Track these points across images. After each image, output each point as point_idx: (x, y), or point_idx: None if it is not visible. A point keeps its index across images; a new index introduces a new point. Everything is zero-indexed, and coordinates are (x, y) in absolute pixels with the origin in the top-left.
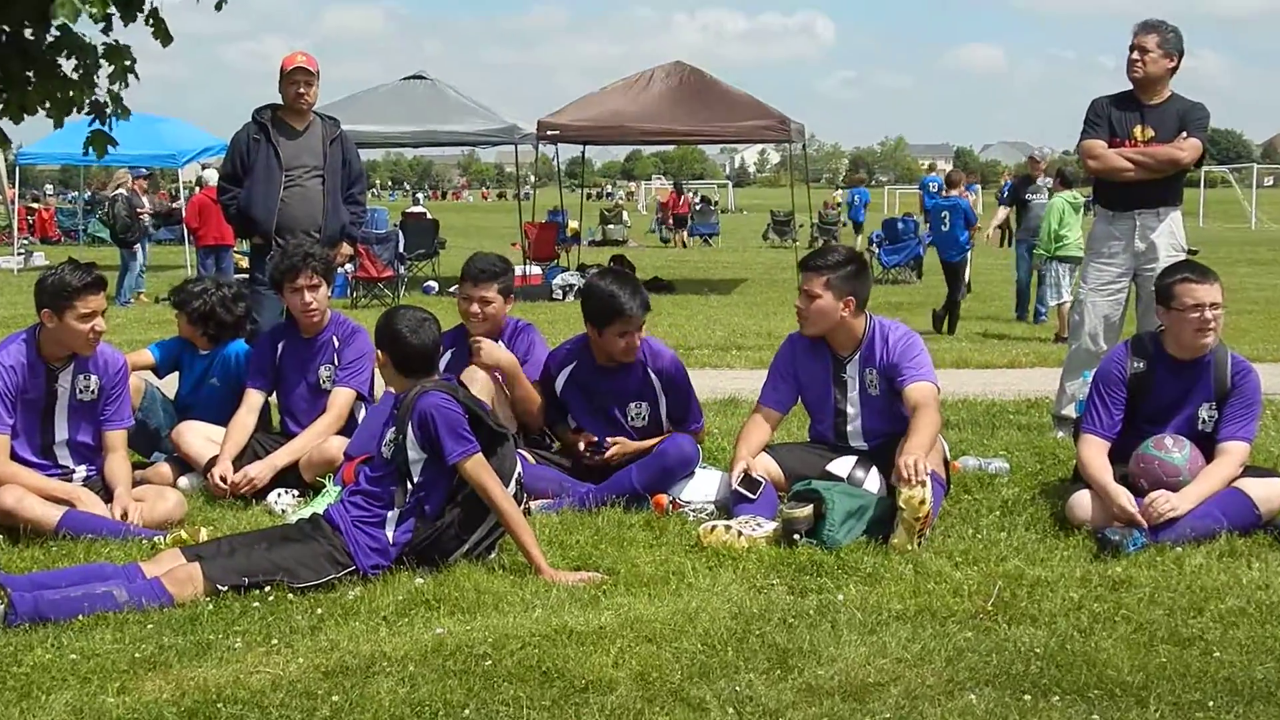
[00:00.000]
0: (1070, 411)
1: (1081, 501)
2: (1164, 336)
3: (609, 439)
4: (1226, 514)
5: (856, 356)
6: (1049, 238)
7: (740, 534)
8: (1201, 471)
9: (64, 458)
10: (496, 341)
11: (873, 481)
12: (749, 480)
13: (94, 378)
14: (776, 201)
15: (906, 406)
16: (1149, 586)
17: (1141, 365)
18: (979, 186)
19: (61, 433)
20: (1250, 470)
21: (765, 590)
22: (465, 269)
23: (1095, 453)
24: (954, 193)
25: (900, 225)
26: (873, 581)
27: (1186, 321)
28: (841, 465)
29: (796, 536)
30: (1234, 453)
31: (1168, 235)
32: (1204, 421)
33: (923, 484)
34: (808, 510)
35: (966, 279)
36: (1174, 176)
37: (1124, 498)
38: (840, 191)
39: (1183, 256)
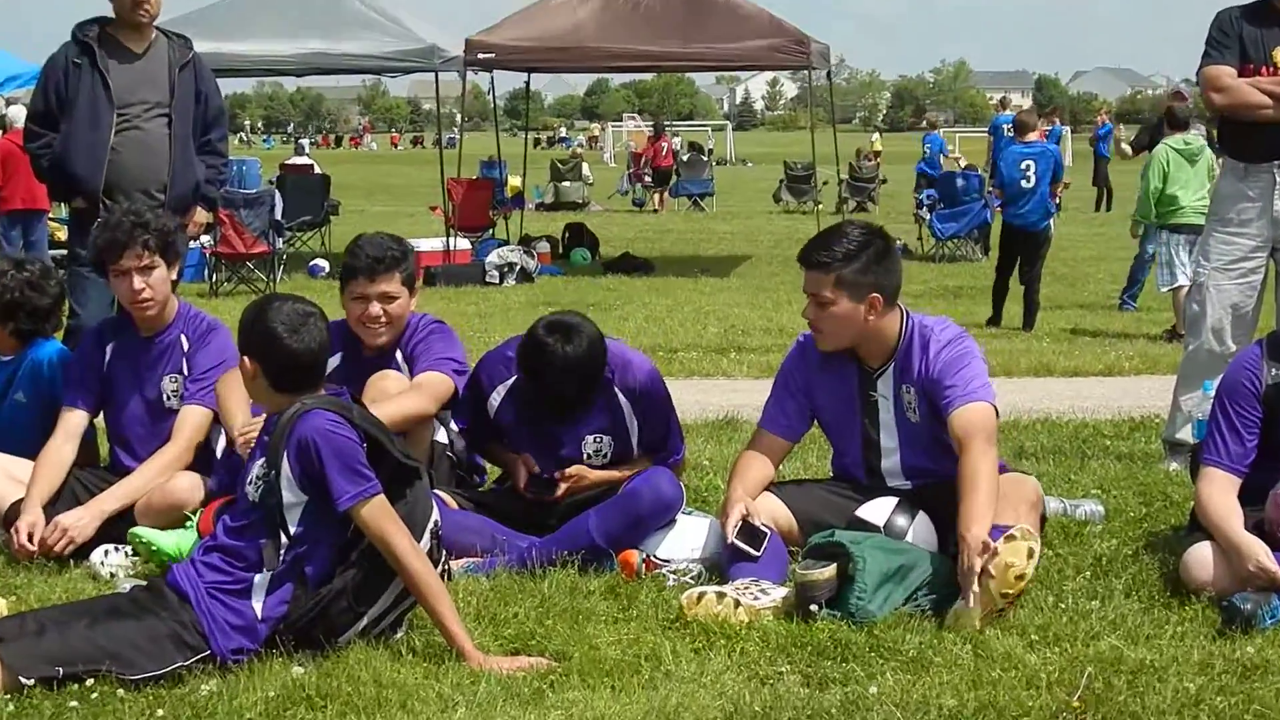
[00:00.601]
0: (1187, 435)
1: (1201, 558)
2: None
3: (561, 473)
4: None
5: (890, 368)
6: (1150, 199)
7: (738, 604)
8: None
9: None
10: (391, 353)
11: (919, 531)
12: (749, 531)
13: None
14: (793, 149)
15: (952, 439)
16: None
17: None
18: (1067, 129)
19: None
20: None
21: (771, 681)
22: (349, 262)
23: (1220, 492)
24: (1033, 137)
25: (961, 181)
26: (918, 668)
27: None
28: (876, 510)
29: (815, 607)
30: None
31: None
32: None
33: (1027, 538)
34: (829, 571)
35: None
36: None
37: (1260, 552)
38: (876, 137)
39: None
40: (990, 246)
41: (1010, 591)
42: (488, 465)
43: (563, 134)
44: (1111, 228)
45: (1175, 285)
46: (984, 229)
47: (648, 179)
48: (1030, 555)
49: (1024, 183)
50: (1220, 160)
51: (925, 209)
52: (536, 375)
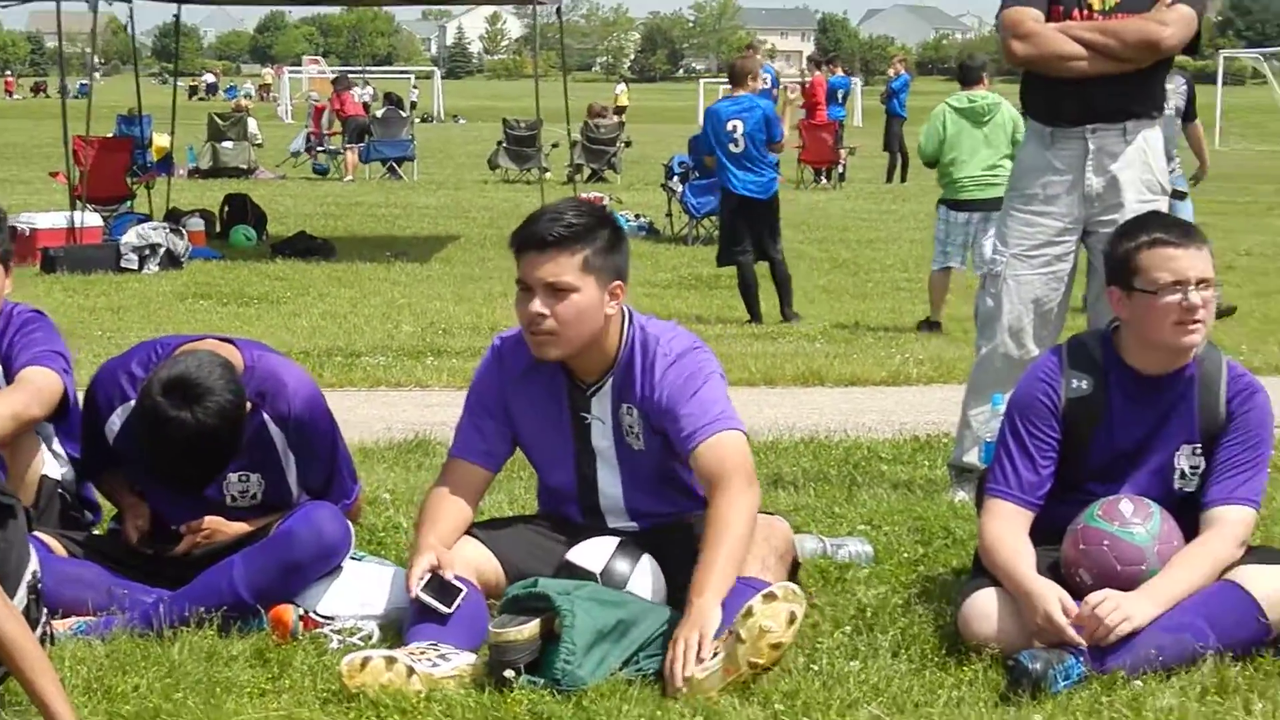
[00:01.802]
0: (976, 459)
1: (983, 608)
2: (1121, 337)
3: (190, 525)
4: (1214, 623)
5: (608, 384)
6: (933, 162)
7: (411, 671)
8: (1177, 556)
9: None
10: None
11: (644, 579)
12: (439, 585)
13: None
14: (516, 104)
15: (699, 479)
16: None
17: (1085, 385)
18: (857, 81)
19: None
20: (1256, 553)
21: None
22: None
23: (1007, 528)
24: (744, 91)
25: None
26: None
27: (1157, 311)
28: (591, 553)
29: (511, 673)
30: (1229, 525)
31: (1139, 167)
32: (1184, 475)
33: (790, 599)
34: (530, 629)
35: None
36: (1152, 70)
37: (1050, 600)
38: (621, 89)
39: (1162, 202)
40: None
41: (761, 661)
42: (104, 500)
43: (211, 79)
44: (906, 204)
45: (944, 266)
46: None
47: (339, 139)
48: (792, 621)
49: (732, 146)
50: (1025, 123)
51: (676, 179)
52: (150, 448)
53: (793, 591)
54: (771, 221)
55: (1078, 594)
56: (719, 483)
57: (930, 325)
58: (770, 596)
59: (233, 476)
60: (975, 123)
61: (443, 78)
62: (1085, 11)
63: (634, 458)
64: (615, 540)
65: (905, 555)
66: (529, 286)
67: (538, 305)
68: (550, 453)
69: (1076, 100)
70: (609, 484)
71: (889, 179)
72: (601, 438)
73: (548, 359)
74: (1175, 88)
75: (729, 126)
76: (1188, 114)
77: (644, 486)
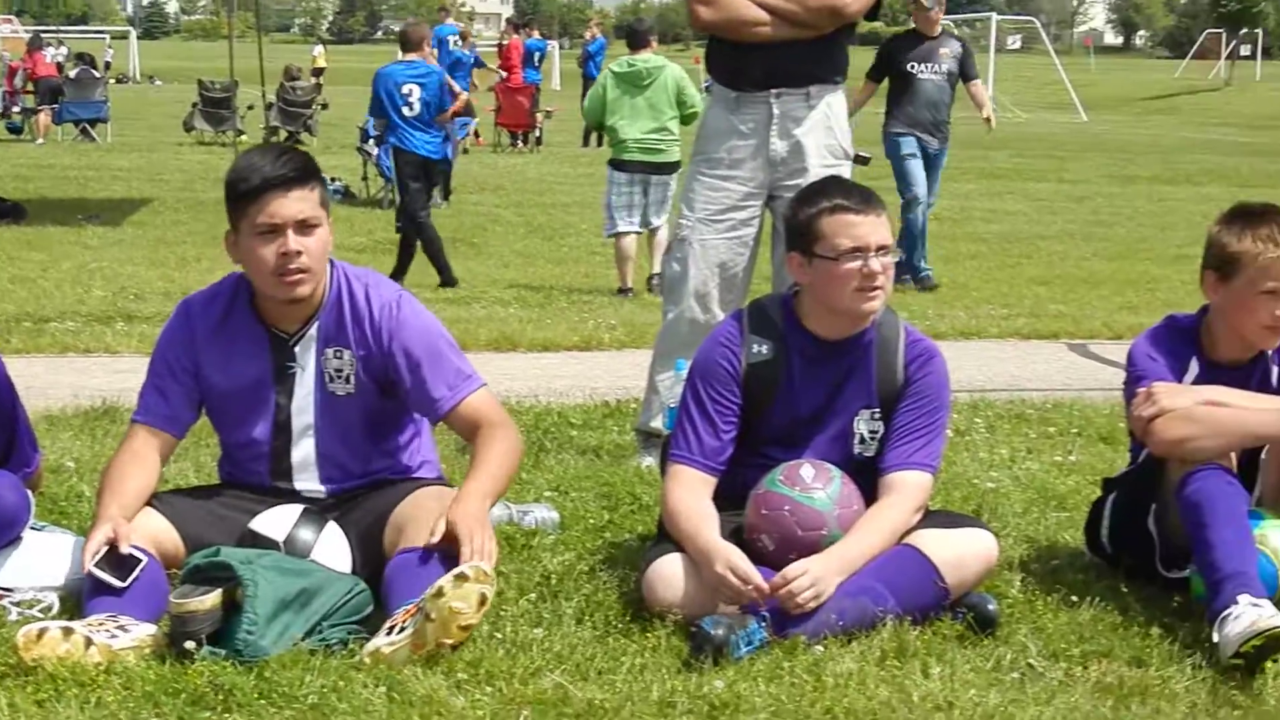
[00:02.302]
0: (662, 424)
1: (667, 574)
2: (801, 302)
3: None
4: (893, 588)
5: (313, 329)
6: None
7: (89, 642)
8: (859, 520)
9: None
10: None
11: (329, 547)
12: (115, 558)
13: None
14: (213, 65)
15: (466, 435)
16: (767, 711)
17: (765, 350)
18: (554, 44)
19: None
20: (934, 517)
21: None
22: None
23: (690, 494)
24: (417, 56)
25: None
26: (318, 716)
27: (838, 277)
28: (274, 521)
29: (192, 644)
30: (908, 489)
31: (823, 132)
32: (863, 440)
33: (481, 580)
34: (211, 599)
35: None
36: (834, 35)
37: (733, 565)
38: (319, 51)
39: (845, 167)
40: (452, 189)
41: (450, 641)
42: None
43: None
44: (603, 168)
45: (615, 232)
46: (445, 167)
47: (33, 98)
48: (483, 603)
49: (406, 110)
50: (708, 88)
51: (371, 142)
52: None
53: (484, 573)
54: (436, 183)
55: (760, 559)
56: (482, 426)
57: (623, 293)
58: (462, 578)
59: None
60: (636, 86)
61: (139, 38)
62: None
63: (336, 406)
64: (299, 509)
65: (591, 521)
66: (275, 227)
67: (293, 242)
68: (246, 410)
69: (761, 65)
70: (304, 439)
71: (585, 143)
72: (303, 388)
73: (299, 298)
74: (950, 51)
75: (405, 90)
76: (967, 75)
77: (342, 440)
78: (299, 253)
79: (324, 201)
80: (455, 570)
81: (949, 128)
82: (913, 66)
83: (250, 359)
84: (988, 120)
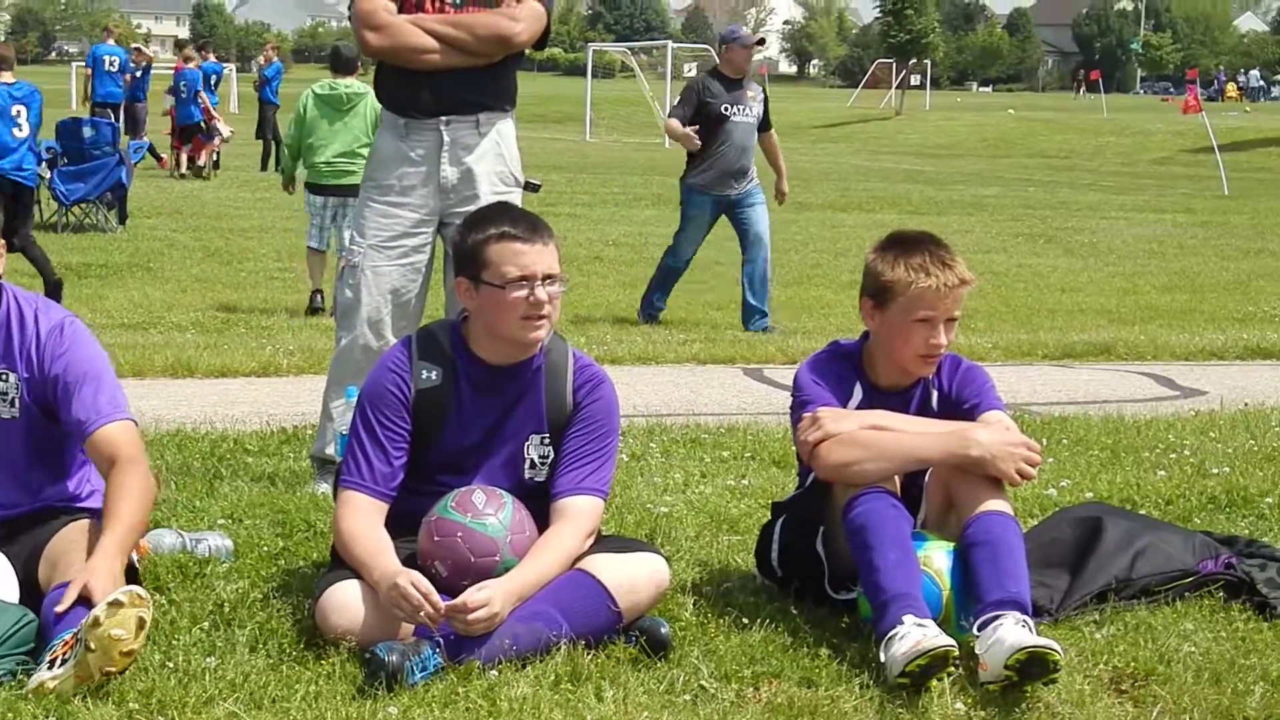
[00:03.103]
0: (334, 451)
1: (341, 600)
2: (469, 328)
3: None
4: (566, 612)
5: None
6: (289, 150)
7: None
8: (533, 547)
9: None
10: None
11: None
12: None
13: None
14: None
15: (99, 461)
16: None
17: (435, 375)
18: (231, 68)
19: None
20: (606, 541)
21: None
22: None
23: (362, 519)
24: (9, 77)
25: (89, 130)
26: None
27: (504, 305)
28: None
29: None
30: (579, 515)
31: (493, 159)
32: (534, 465)
33: (136, 604)
34: None
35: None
36: (503, 64)
37: (414, 579)
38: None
39: (515, 193)
40: (128, 213)
41: (114, 669)
42: None
43: None
44: (280, 192)
45: (309, 245)
46: (120, 191)
47: None
48: (141, 626)
49: (16, 131)
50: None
51: (45, 164)
52: None
53: (138, 596)
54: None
55: (435, 585)
56: (117, 463)
57: (312, 299)
58: (116, 604)
59: None
60: (336, 109)
61: None
62: (438, 5)
63: (4, 432)
64: None
65: (266, 549)
66: None
67: None
68: None
69: (430, 92)
70: None
71: (264, 167)
72: None
73: None
74: (755, 95)
75: (14, 111)
76: (764, 124)
77: (7, 465)
78: None
79: None
80: (109, 597)
81: (754, 172)
82: (726, 109)
83: None
84: (781, 194)
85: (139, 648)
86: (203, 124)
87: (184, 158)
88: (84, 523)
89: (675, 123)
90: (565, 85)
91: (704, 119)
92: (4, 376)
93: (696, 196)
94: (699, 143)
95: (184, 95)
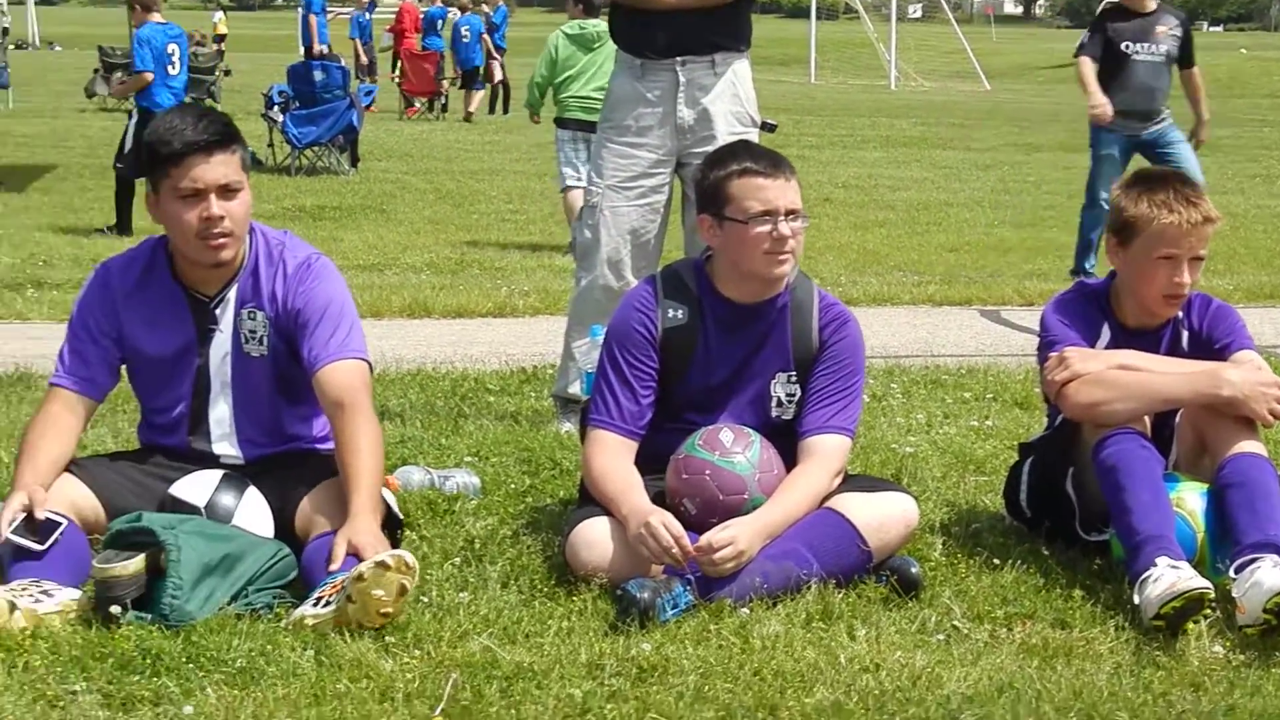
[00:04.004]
0: (579, 390)
1: (592, 537)
2: (714, 266)
3: None
4: (817, 551)
5: (232, 293)
6: (534, 88)
7: (13, 607)
8: (781, 485)
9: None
10: None
11: (250, 512)
12: (33, 524)
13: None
14: (111, 31)
15: (324, 400)
16: (696, 673)
17: (681, 315)
18: (454, 11)
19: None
20: (854, 481)
21: (63, 702)
22: None
23: (612, 458)
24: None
25: (320, 74)
26: (246, 681)
27: (747, 240)
28: (195, 486)
29: (117, 608)
30: (827, 453)
31: (729, 99)
32: (780, 403)
33: (403, 571)
34: (135, 564)
35: None
36: (737, 4)
37: (664, 520)
38: (219, 17)
39: (752, 133)
40: (359, 156)
41: (369, 624)
42: None
43: None
44: (509, 135)
45: (564, 186)
46: (352, 134)
47: None
48: (402, 593)
49: (171, 69)
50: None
51: (276, 109)
52: None
53: (405, 564)
54: None
55: (683, 523)
56: (343, 408)
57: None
58: (383, 566)
59: None
60: (586, 48)
61: (36, 3)
62: None
63: (250, 368)
64: (219, 474)
65: (513, 486)
66: (198, 191)
67: (215, 207)
68: (170, 373)
69: (665, 32)
70: (221, 401)
71: (491, 110)
72: (220, 349)
73: (222, 262)
74: (1169, 29)
75: (169, 49)
76: (1184, 59)
77: (256, 403)
78: (222, 217)
79: (245, 165)
80: (379, 557)
81: (1168, 113)
82: (1127, 46)
83: (173, 322)
84: (1198, 140)
85: (396, 612)
86: (480, 69)
87: (469, 99)
88: (335, 482)
89: (1088, 67)
90: (789, 27)
91: (1106, 56)
92: (253, 315)
93: (1104, 135)
94: (1108, 115)
95: (466, 39)
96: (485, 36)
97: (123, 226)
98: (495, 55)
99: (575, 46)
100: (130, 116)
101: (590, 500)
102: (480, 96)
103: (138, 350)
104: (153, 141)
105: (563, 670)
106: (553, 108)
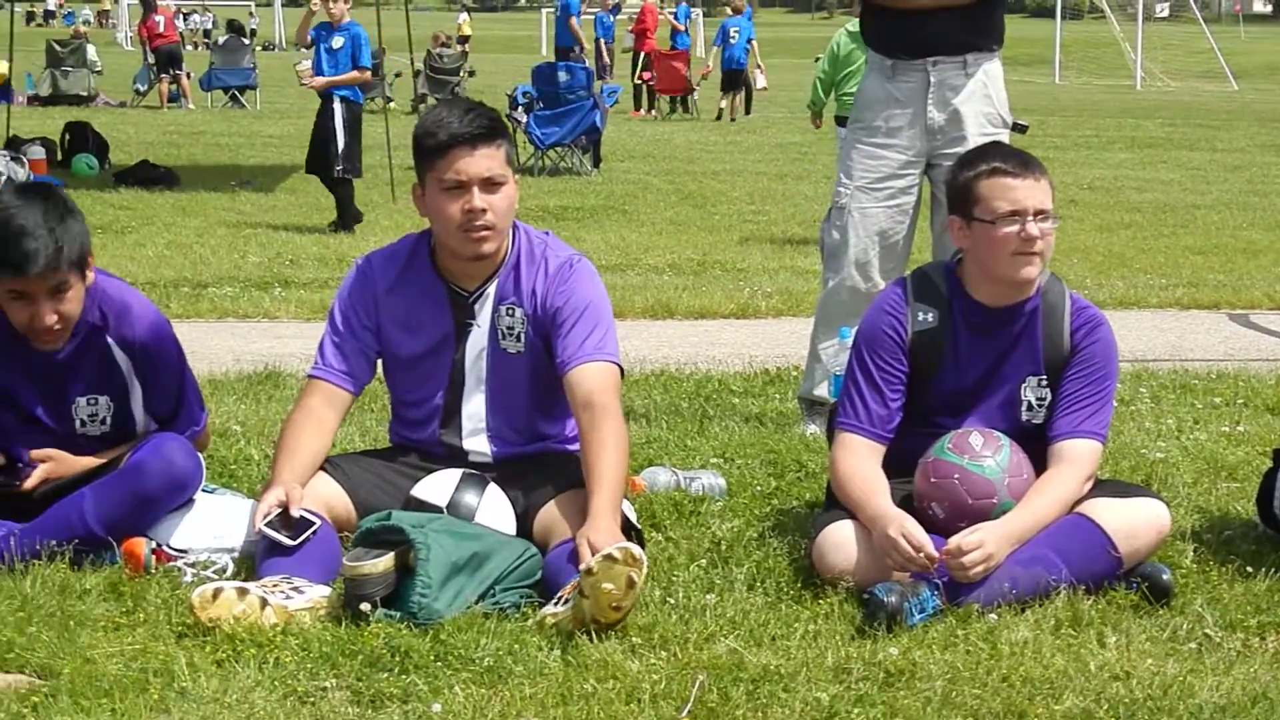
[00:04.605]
0: (825, 392)
1: (839, 540)
2: (964, 269)
3: (36, 453)
4: (1066, 557)
5: (491, 288)
6: (818, 87)
7: (264, 603)
8: (1030, 490)
9: None
10: None
11: (491, 510)
12: (286, 521)
13: None
14: None
15: (573, 401)
16: (943, 679)
17: (931, 318)
18: (697, 11)
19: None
20: (1104, 486)
21: (313, 699)
22: None
23: (859, 461)
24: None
25: (564, 75)
26: (494, 679)
27: (995, 241)
28: (436, 486)
29: (366, 606)
30: (1078, 458)
31: (980, 100)
32: (1031, 407)
33: (630, 563)
34: (385, 562)
35: None
36: (991, 3)
37: (906, 532)
38: (464, 19)
39: (1003, 135)
40: (602, 157)
41: (604, 620)
42: None
43: (51, 6)
44: (750, 135)
45: None
46: (594, 135)
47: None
48: (631, 585)
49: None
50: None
51: (520, 109)
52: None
53: (632, 556)
54: None
55: (931, 527)
56: (591, 410)
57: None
58: (610, 559)
59: (81, 400)
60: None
61: (283, 5)
62: None
63: (507, 364)
64: (459, 473)
65: (758, 488)
66: (461, 183)
67: (478, 199)
68: (427, 367)
69: (917, 33)
70: (475, 396)
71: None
72: (477, 344)
73: (484, 255)
74: None
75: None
76: None
77: (510, 400)
78: (484, 210)
79: (510, 159)
80: (606, 550)
81: None
82: None
83: (432, 316)
84: None
85: (628, 606)
86: (743, 71)
87: (734, 103)
88: (580, 491)
89: None
90: (1033, 27)
91: None
92: (511, 311)
93: None
94: None
95: (734, 41)
96: (753, 42)
97: (347, 221)
98: (760, 62)
99: (855, 44)
100: (333, 117)
101: (837, 503)
102: (738, 99)
103: (395, 343)
104: (419, 134)
105: (809, 674)
106: (833, 105)
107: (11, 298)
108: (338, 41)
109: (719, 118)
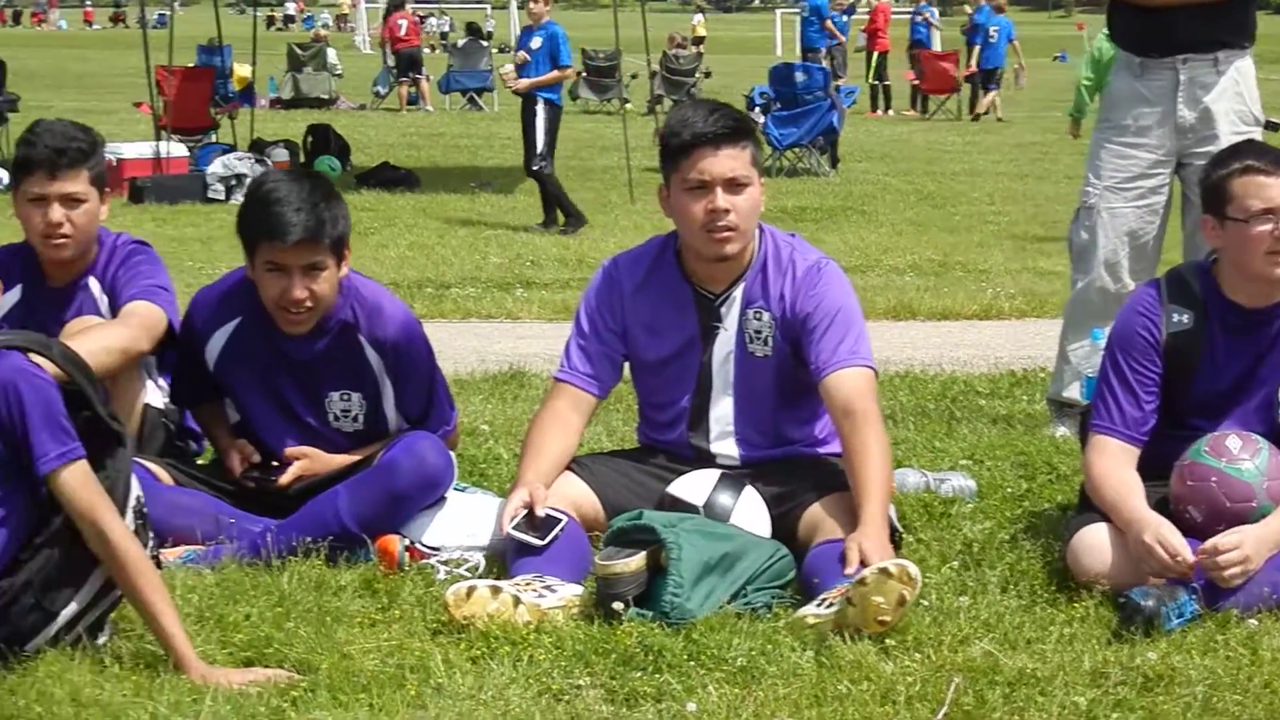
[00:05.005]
0: (1076, 394)
1: (1094, 543)
2: (1219, 270)
3: (291, 450)
4: None
5: (738, 290)
6: (1082, 92)
7: (519, 602)
8: None
9: None
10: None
11: (747, 511)
12: (534, 519)
13: None
14: (593, 34)
15: (832, 407)
16: (1203, 684)
17: (1186, 319)
18: (934, 10)
19: None
20: None
21: (568, 696)
22: (24, 152)
23: (1115, 464)
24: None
25: (801, 76)
26: (747, 680)
27: (1249, 240)
28: (693, 486)
29: (619, 605)
30: None
31: (1232, 98)
32: None
33: (905, 581)
34: (637, 561)
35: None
36: (1242, 0)
37: (1161, 537)
38: (699, 19)
39: (1256, 133)
40: (839, 158)
41: (866, 631)
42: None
43: (300, 9)
44: (990, 135)
45: None
46: (832, 136)
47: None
48: (901, 603)
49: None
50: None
51: (758, 110)
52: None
53: (908, 574)
54: None
55: (1188, 530)
56: (853, 416)
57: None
58: (885, 574)
59: (334, 395)
60: None
61: (518, 7)
62: None
63: (754, 368)
64: (717, 473)
65: (1009, 490)
66: (704, 183)
67: (721, 200)
68: (674, 370)
69: (1167, 30)
70: (723, 399)
71: (972, 111)
72: (724, 347)
73: (726, 256)
74: None
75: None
76: None
77: (757, 403)
78: (727, 210)
79: (755, 161)
80: (883, 564)
81: None
82: None
83: (679, 319)
84: None
85: (894, 621)
86: (1001, 72)
87: (991, 100)
88: (844, 495)
89: None
90: None
91: None
92: (759, 315)
93: None
94: None
95: (993, 40)
96: (1015, 42)
97: (551, 219)
98: (1022, 61)
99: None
100: (535, 116)
101: (1090, 506)
102: (993, 98)
103: (641, 346)
104: (664, 134)
105: (1066, 677)
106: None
107: (268, 269)
108: (536, 42)
109: (976, 118)
